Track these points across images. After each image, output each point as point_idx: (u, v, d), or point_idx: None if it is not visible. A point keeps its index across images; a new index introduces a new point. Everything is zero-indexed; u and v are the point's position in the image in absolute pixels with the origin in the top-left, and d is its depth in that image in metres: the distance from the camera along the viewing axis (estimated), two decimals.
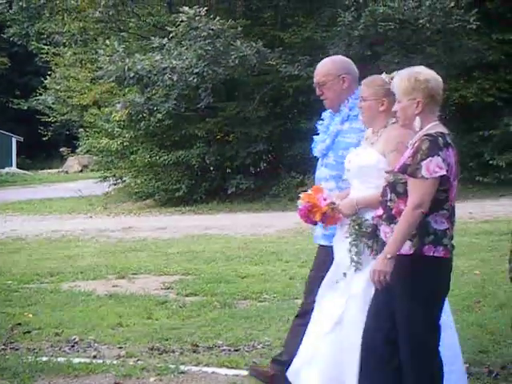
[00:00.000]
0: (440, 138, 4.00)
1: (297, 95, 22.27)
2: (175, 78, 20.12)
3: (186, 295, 8.95)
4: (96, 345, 6.68)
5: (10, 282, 9.86)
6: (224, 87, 22.65)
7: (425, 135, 4.02)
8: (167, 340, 6.76)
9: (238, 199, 22.35)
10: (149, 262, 11.54)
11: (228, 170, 23.73)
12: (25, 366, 5.83)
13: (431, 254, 4.00)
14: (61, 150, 44.53)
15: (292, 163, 23.18)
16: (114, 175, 27.00)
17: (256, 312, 7.82)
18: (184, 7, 20.11)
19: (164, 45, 20.63)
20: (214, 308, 8.13)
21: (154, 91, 21.87)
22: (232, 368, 5.86)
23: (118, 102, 22.59)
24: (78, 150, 33.13)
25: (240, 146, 22.86)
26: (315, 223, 4.70)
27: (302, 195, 4.73)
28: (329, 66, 4.96)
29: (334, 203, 4.53)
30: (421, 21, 19.85)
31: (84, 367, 5.85)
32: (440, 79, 4.17)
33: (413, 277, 4.01)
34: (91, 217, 21.26)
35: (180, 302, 8.44)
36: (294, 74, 20.69)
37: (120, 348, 6.56)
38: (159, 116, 21.93)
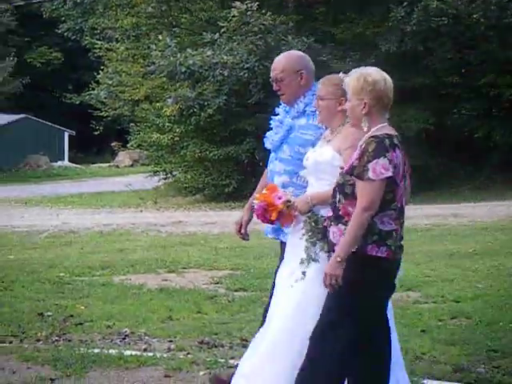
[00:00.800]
0: (386, 140, 3.99)
1: None
2: (226, 73, 20.19)
3: (235, 290, 8.96)
4: (146, 338, 6.73)
5: (62, 274, 9.99)
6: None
7: (371, 137, 4.02)
8: (216, 334, 6.78)
9: None
10: (198, 257, 11.59)
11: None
12: (77, 357, 5.90)
13: (373, 253, 3.99)
14: (112, 144, 44.88)
15: None
16: (164, 170, 27.20)
17: None
18: (236, 2, 20.16)
19: (215, 40, 20.72)
20: (263, 303, 8.08)
21: (204, 86, 21.98)
22: None
23: (169, 97, 22.74)
24: (128, 145, 33.37)
25: None
26: (272, 222, 4.62)
27: (257, 195, 4.68)
28: (286, 62, 4.90)
29: (289, 201, 4.48)
30: (475, 16, 19.63)
31: (135, 360, 5.89)
32: (390, 82, 4.12)
33: (354, 275, 3.99)
34: (141, 211, 21.44)
35: (229, 297, 8.46)
36: (344, 70, 20.58)
37: (170, 341, 6.59)
38: (210, 111, 22.01)
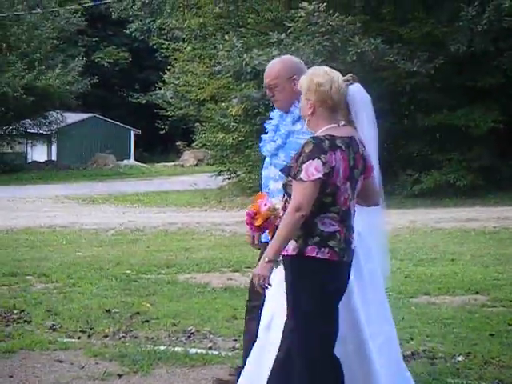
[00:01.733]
0: (327, 141, 3.93)
1: (415, 92, 21.97)
2: None
3: None
4: (211, 336, 6.76)
5: (128, 271, 10.10)
6: None
7: (311, 138, 4.00)
8: None
9: None
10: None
11: None
12: (144, 353, 5.97)
13: (313, 254, 3.92)
14: (177, 143, 45.37)
15: (408, 160, 22.89)
16: (229, 169, 27.32)
17: None
18: (303, 2, 20.12)
19: (282, 40, 20.70)
20: None
21: None
22: None
23: (235, 97, 22.83)
24: (193, 144, 33.64)
25: None
26: (260, 230, 4.55)
27: (250, 204, 4.64)
28: (279, 68, 4.82)
29: (275, 209, 4.41)
30: None
31: (200, 358, 5.93)
32: (338, 84, 4.05)
33: (296, 277, 3.95)
34: (206, 210, 21.56)
35: None
36: (412, 70, 20.40)
37: (235, 340, 6.61)
38: None
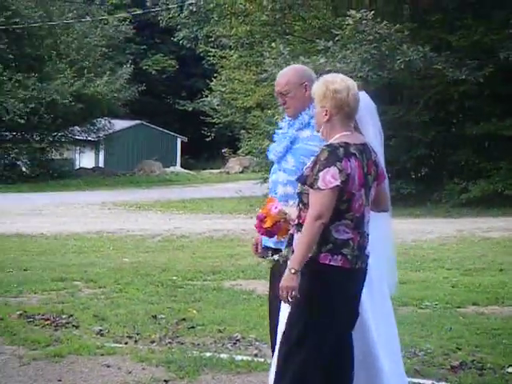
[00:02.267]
0: (341, 149, 3.92)
1: (463, 100, 21.77)
2: None
3: None
4: (257, 343, 6.76)
5: (174, 277, 10.16)
6: (387, 91, 22.44)
7: (325, 145, 3.97)
8: None
9: (397, 204, 22.02)
10: None
11: (388, 175, 23.44)
12: (190, 360, 5.99)
13: (327, 262, 3.89)
14: (223, 150, 45.50)
15: (455, 169, 22.68)
16: None
17: (417, 319, 7.68)
18: (351, 10, 20.08)
19: (329, 48, 20.67)
20: None
21: None
22: None
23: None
24: (239, 151, 33.73)
25: (401, 150, 22.56)
26: (270, 234, 4.51)
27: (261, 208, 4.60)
28: (290, 75, 4.85)
29: (285, 213, 4.37)
30: None
31: (246, 365, 5.93)
32: (355, 91, 4.03)
33: (308, 283, 3.90)
34: (251, 217, 21.53)
35: None
36: (460, 78, 20.22)
37: None
38: None
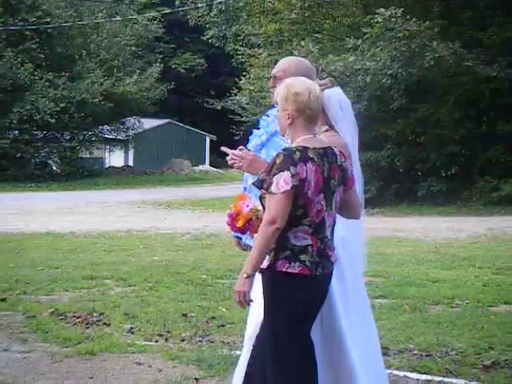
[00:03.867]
0: (298, 153, 3.84)
1: (494, 97, 21.60)
2: (368, 79, 20.07)
3: (376, 297, 8.85)
4: None
5: (204, 276, 10.18)
6: (417, 88, 22.33)
7: (282, 149, 3.90)
8: None
9: (428, 202, 21.96)
10: None
11: (418, 173, 23.39)
12: (219, 358, 6.00)
13: (284, 269, 3.83)
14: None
15: (486, 167, 22.50)
16: None
17: (448, 318, 7.63)
18: (380, 8, 19.99)
19: (358, 45, 20.63)
20: (405, 311, 8.01)
21: (346, 92, 21.80)
22: (424, 373, 5.76)
23: None
24: None
25: (431, 147, 22.46)
26: (242, 232, 4.45)
27: (231, 205, 4.55)
28: (290, 63, 4.77)
29: (257, 210, 4.30)
30: None
31: None
32: (316, 93, 3.96)
33: (268, 291, 3.87)
34: None
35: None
36: (491, 75, 20.06)
37: None
38: None
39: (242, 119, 36.99)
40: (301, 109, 3.96)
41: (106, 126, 41.56)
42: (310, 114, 3.98)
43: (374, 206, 22.22)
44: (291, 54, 23.22)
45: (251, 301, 3.87)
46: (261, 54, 29.39)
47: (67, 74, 36.58)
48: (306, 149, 3.90)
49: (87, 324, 7.34)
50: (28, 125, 36.10)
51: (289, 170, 3.81)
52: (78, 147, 40.04)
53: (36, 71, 35.69)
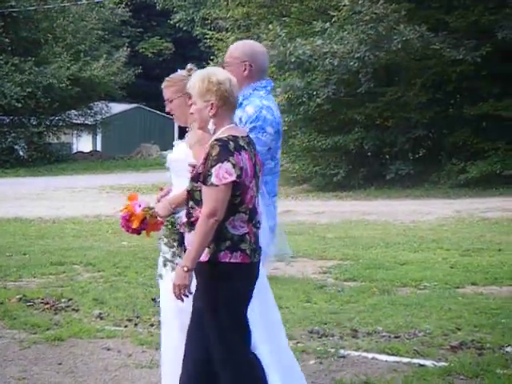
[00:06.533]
0: (231, 143, 3.84)
1: (460, 80, 21.73)
2: (336, 62, 20.09)
3: (345, 280, 8.93)
4: None
5: None
6: (385, 72, 22.41)
7: (215, 140, 3.87)
8: (326, 324, 6.77)
9: (396, 185, 22.09)
10: (307, 246, 11.60)
11: (386, 156, 23.51)
12: None
13: (227, 260, 3.83)
14: None
15: (453, 150, 22.68)
16: None
17: (416, 300, 7.70)
18: None
19: (326, 29, 20.63)
20: (373, 294, 8.07)
21: (314, 76, 21.93)
22: (392, 355, 5.81)
23: (278, 87, 22.78)
24: None
25: (399, 131, 22.57)
26: (137, 232, 4.47)
27: (122, 206, 4.52)
28: (237, 49, 4.73)
29: (150, 208, 4.35)
30: None
31: None
32: (235, 81, 3.99)
33: (209, 283, 3.86)
34: None
35: (338, 287, 8.43)
36: (458, 58, 20.16)
37: None
38: (318, 100, 21.96)
39: None
40: (224, 97, 3.92)
41: (73, 111, 41.20)
42: (233, 102, 3.97)
43: (343, 190, 22.34)
44: (258, 37, 23.22)
45: (191, 293, 3.86)
46: (228, 38, 29.23)
47: (33, 59, 36.17)
48: (236, 138, 3.89)
49: (55, 310, 7.30)
50: None
51: (228, 161, 3.78)
52: (45, 132, 39.68)
53: (1, 55, 35.26)
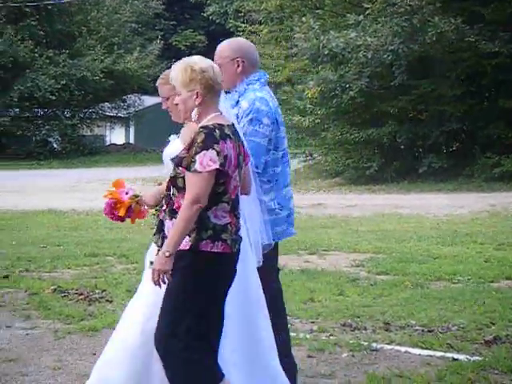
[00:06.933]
0: (217, 130, 3.81)
1: (496, 73, 21.51)
2: (369, 55, 19.99)
3: (377, 273, 8.90)
4: (289, 318, 6.75)
5: None
6: (419, 64, 22.24)
7: (201, 127, 3.84)
8: (359, 317, 6.75)
9: (429, 179, 21.95)
10: (339, 239, 11.57)
11: (420, 149, 23.36)
12: None
13: (208, 249, 3.81)
14: None
15: (487, 143, 22.47)
16: (304, 152, 27.26)
17: (450, 293, 7.65)
18: None
19: (359, 22, 20.52)
20: (406, 288, 8.03)
21: (347, 68, 21.84)
22: (426, 348, 5.78)
23: (311, 80, 22.74)
24: None
25: (433, 124, 22.41)
26: (122, 219, 4.44)
27: (106, 192, 4.48)
28: (225, 48, 4.76)
29: (137, 196, 4.32)
30: None
31: None
32: (217, 68, 3.96)
33: (189, 271, 3.82)
34: None
35: (371, 280, 8.40)
36: (493, 51, 19.96)
37: (312, 323, 6.62)
38: (351, 93, 21.85)
39: None
40: (209, 85, 3.90)
41: (106, 104, 41.46)
42: (218, 89, 3.96)
43: (376, 183, 22.24)
44: (292, 30, 23.21)
45: (169, 280, 3.82)
46: (262, 31, 29.26)
47: (67, 52, 36.45)
48: (222, 126, 3.88)
49: (89, 301, 7.36)
50: (28, 102, 36.03)
51: (213, 149, 3.77)
52: (79, 125, 39.97)
53: (36, 48, 35.56)
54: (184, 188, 3.83)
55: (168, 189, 3.96)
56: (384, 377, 5.12)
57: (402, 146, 23.51)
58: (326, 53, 20.50)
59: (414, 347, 5.83)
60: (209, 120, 3.90)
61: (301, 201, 18.18)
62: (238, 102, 4.61)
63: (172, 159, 3.93)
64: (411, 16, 19.58)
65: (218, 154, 3.77)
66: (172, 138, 4.62)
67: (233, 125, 3.99)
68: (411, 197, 19.10)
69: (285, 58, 27.99)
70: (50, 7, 36.94)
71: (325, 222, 13.89)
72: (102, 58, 37.13)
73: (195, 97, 3.90)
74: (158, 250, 3.92)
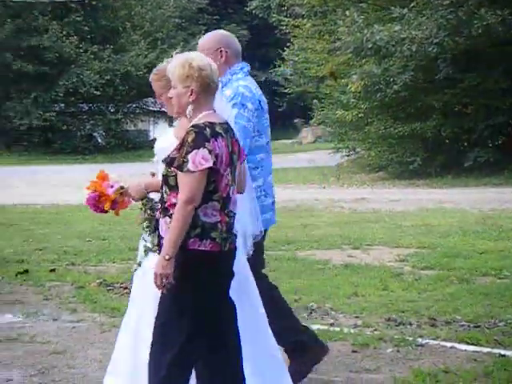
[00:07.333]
0: (208, 129, 3.76)
1: None
2: (414, 48, 19.82)
3: (422, 268, 8.83)
4: (333, 313, 6.76)
5: None
6: (464, 57, 22.00)
7: (191, 126, 3.79)
8: (403, 312, 6.71)
9: (474, 173, 21.72)
10: (383, 234, 11.51)
11: (465, 143, 23.13)
12: None
13: (196, 247, 3.76)
14: (295, 121, 45.37)
15: None
16: (348, 146, 27.19)
17: (496, 289, 7.57)
18: None
19: (404, 15, 20.35)
20: (451, 283, 7.96)
21: (391, 62, 21.69)
22: (472, 344, 5.72)
23: (355, 74, 22.62)
24: (311, 121, 33.59)
25: (478, 118, 22.17)
26: (105, 211, 4.39)
27: (89, 184, 4.43)
28: (208, 40, 4.79)
29: (122, 187, 4.29)
30: None
31: (322, 334, 5.89)
32: (215, 67, 3.91)
33: (180, 272, 3.76)
34: (324, 187, 21.52)
35: (415, 275, 8.34)
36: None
37: (356, 317, 6.60)
38: (395, 87, 21.71)
39: (286, 90, 36.85)
40: (205, 83, 3.88)
41: (150, 99, 41.60)
42: (214, 88, 3.94)
43: (419, 178, 22.08)
44: (335, 23, 23.11)
45: (172, 282, 3.79)
46: (305, 25, 29.17)
47: (112, 47, 36.75)
48: (213, 124, 3.85)
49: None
50: (73, 97, 36.44)
51: (205, 147, 3.75)
52: (123, 119, 40.30)
53: (81, 44, 35.92)
54: (176, 186, 3.82)
55: (161, 187, 3.96)
56: (430, 372, 5.08)
57: (447, 140, 23.29)
58: (369, 46, 20.37)
59: (460, 343, 5.77)
60: (200, 118, 3.88)
61: (344, 195, 18.14)
62: (222, 91, 4.62)
63: (163, 160, 3.91)
64: (457, 8, 19.36)
65: (210, 152, 3.76)
66: (167, 130, 4.66)
67: (226, 123, 3.97)
68: (456, 191, 18.91)
69: (328, 52, 27.87)
70: (94, 3, 37.27)
71: (368, 217, 13.82)
72: (146, 53, 37.37)
73: (190, 93, 3.89)
74: (153, 249, 3.98)
